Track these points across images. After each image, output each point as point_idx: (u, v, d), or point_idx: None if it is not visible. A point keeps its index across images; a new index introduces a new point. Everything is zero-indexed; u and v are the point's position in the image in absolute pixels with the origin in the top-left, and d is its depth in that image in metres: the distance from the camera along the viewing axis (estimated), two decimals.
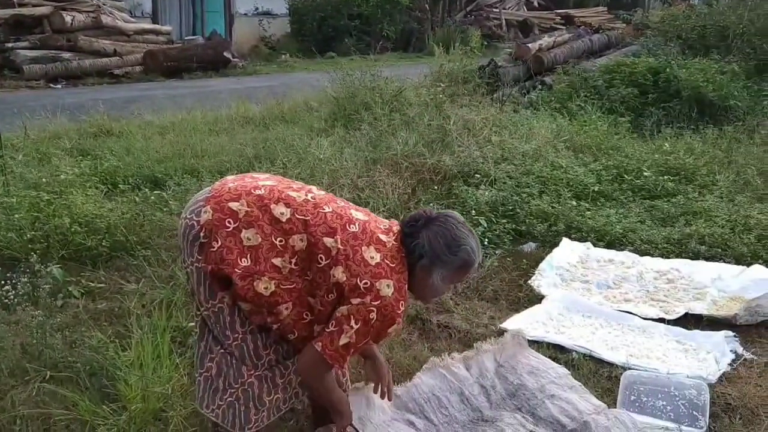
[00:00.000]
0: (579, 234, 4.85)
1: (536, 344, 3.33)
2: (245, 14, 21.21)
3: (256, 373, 2.26)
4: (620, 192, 5.64)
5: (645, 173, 5.85)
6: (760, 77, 9.47)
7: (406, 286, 2.22)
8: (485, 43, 18.30)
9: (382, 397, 2.58)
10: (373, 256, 2.16)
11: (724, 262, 4.41)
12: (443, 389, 2.75)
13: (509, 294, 4.06)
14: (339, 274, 2.13)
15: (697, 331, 3.55)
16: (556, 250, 4.52)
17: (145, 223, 4.73)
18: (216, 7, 20.57)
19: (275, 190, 2.23)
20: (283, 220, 2.16)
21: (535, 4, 27.22)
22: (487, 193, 5.25)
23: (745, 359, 3.28)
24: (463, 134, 6.58)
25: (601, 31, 13.96)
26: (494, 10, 23.21)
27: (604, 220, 4.94)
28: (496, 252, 4.56)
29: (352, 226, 2.21)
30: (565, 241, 4.69)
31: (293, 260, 2.16)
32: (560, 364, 3.12)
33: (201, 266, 2.17)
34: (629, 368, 3.13)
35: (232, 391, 2.25)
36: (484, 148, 6.32)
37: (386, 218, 4.71)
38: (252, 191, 2.20)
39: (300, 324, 2.22)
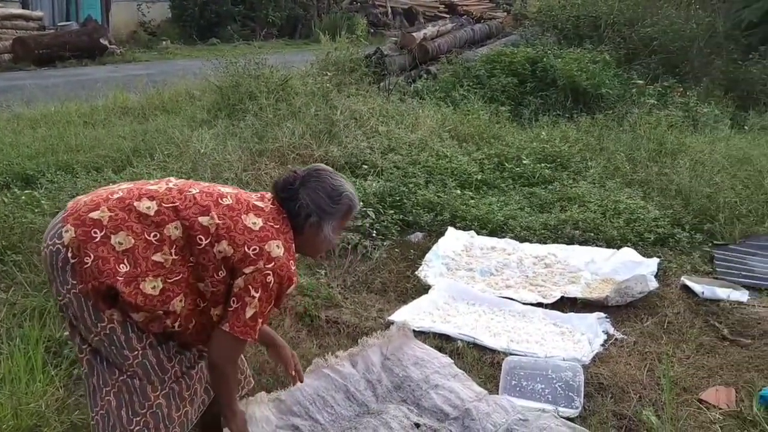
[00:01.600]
0: (464, 223, 4.98)
1: (423, 335, 3.40)
2: None
3: (163, 392, 2.16)
4: (501, 180, 5.83)
5: (524, 161, 6.08)
6: (629, 66, 10.01)
7: (293, 245, 2.22)
8: (371, 30, 18.42)
9: (294, 382, 2.58)
10: (255, 222, 2.14)
11: (597, 245, 4.66)
12: (328, 389, 2.76)
13: (397, 285, 4.12)
14: (225, 247, 2.09)
15: (572, 314, 3.74)
16: (441, 240, 4.63)
17: (15, 225, 4.43)
18: None
19: (133, 189, 2.14)
20: (152, 214, 2.08)
21: None
22: (374, 184, 5.29)
23: (616, 339, 3.48)
24: (350, 124, 6.59)
25: (482, 20, 14.33)
26: None
27: (486, 209, 5.10)
28: (384, 243, 4.61)
29: (224, 199, 2.17)
30: (450, 230, 4.80)
31: (173, 251, 2.09)
32: (445, 353, 3.21)
33: (79, 289, 2.04)
34: (510, 354, 3.26)
35: (139, 418, 2.12)
36: (371, 139, 6.37)
37: None
38: (109, 197, 2.11)
39: (196, 312, 2.16)
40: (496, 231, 4.93)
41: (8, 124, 7.70)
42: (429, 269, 4.21)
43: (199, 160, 5.50)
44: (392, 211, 4.99)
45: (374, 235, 4.64)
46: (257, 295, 2.08)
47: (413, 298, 3.89)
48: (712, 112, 7.91)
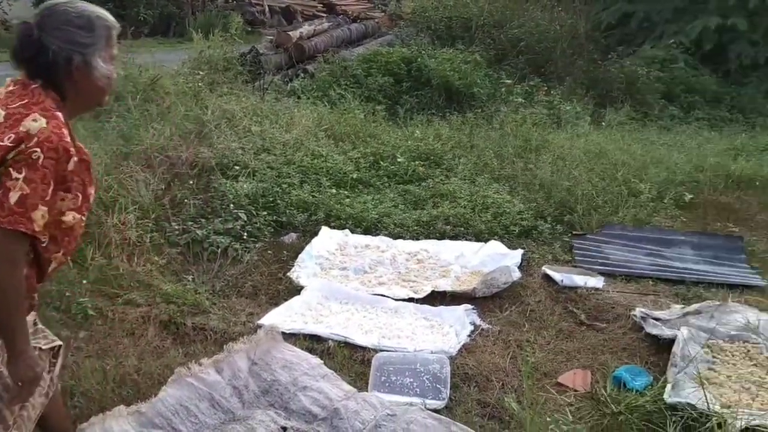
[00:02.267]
0: (338, 222, 4.99)
1: (293, 337, 3.37)
2: None
3: None
4: (377, 178, 5.88)
5: (399, 159, 6.16)
6: (498, 66, 10.38)
7: (59, 111, 1.91)
8: (248, 29, 18.12)
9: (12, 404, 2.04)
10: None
11: (466, 239, 4.80)
12: (192, 398, 2.68)
13: (269, 288, 4.06)
14: None
15: (442, 307, 3.83)
16: (315, 240, 4.61)
17: None
18: None
19: None
20: None
21: None
22: (246, 186, 5.19)
23: (482, 329, 3.59)
24: (221, 125, 6.44)
25: (359, 20, 14.43)
26: None
27: (361, 207, 5.13)
28: (256, 245, 4.54)
29: None
30: (324, 229, 4.79)
31: None
32: (316, 354, 3.19)
33: None
34: (381, 350, 3.29)
35: None
36: (243, 139, 6.24)
37: (138, 219, 4.50)
38: None
39: None
40: (370, 229, 4.97)
41: None
42: (302, 270, 4.18)
43: None
44: (265, 213, 4.92)
45: (245, 237, 4.56)
46: (21, 176, 1.80)
47: (285, 300, 3.85)
48: (574, 109, 8.33)
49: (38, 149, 1.82)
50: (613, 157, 6.17)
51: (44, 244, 1.96)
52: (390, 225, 4.96)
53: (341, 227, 4.94)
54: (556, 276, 4.14)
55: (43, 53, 1.91)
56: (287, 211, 5.01)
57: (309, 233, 4.83)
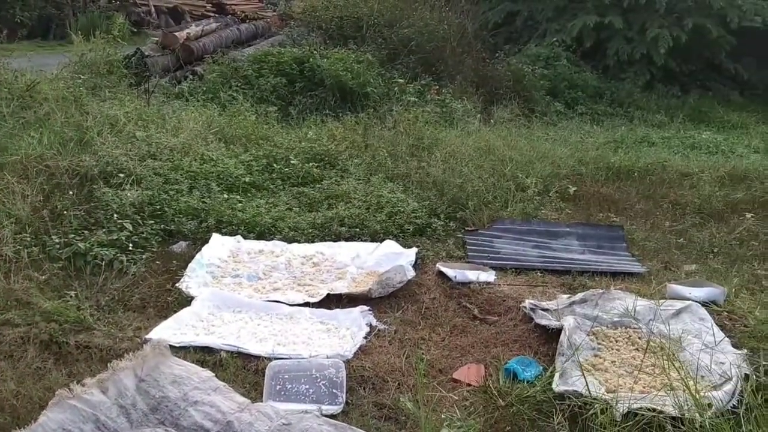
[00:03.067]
0: (230, 228, 4.88)
1: (183, 350, 3.26)
2: None
3: None
4: (270, 181, 5.79)
5: (292, 161, 6.09)
6: (391, 65, 10.45)
7: None
8: (134, 30, 17.45)
9: None
10: None
11: (362, 240, 4.80)
12: (75, 421, 2.54)
13: (158, 300, 3.91)
14: None
15: (338, 310, 3.81)
16: (205, 248, 4.48)
17: None
18: None
19: None
20: None
21: None
22: (131, 194, 4.99)
23: (379, 330, 3.60)
24: (104, 131, 6.16)
25: (248, 20, 14.20)
26: None
27: (254, 212, 5.03)
28: (143, 256, 4.36)
29: None
30: (215, 236, 4.67)
31: None
32: (208, 366, 3.10)
33: None
34: (275, 358, 3.23)
35: None
36: (127, 145, 5.99)
37: (15, 233, 4.24)
38: None
39: None
40: (264, 234, 4.89)
41: None
42: (191, 279, 4.06)
43: None
44: (152, 221, 4.74)
45: (131, 248, 4.37)
46: None
47: (174, 312, 3.72)
48: (464, 107, 8.52)
49: None
50: (501, 154, 6.35)
51: None
52: (284, 229, 4.90)
53: (233, 233, 4.83)
54: (450, 272, 4.22)
55: None
56: (176, 219, 4.84)
57: (200, 241, 4.69)
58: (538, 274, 4.46)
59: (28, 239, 4.26)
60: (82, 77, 7.82)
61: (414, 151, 6.47)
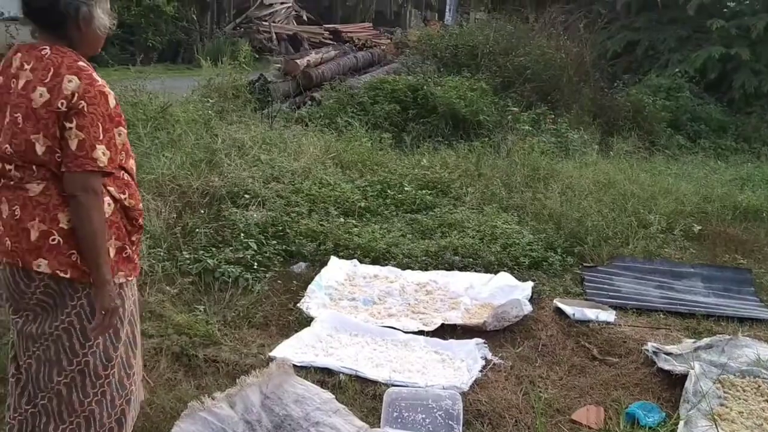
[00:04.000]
0: (347, 251, 4.99)
1: (304, 370, 3.36)
2: None
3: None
4: (384, 207, 5.89)
5: (406, 188, 6.18)
6: (505, 93, 10.42)
7: (79, 62, 2.22)
8: (256, 56, 18.28)
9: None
10: (42, 93, 2.17)
11: (475, 271, 4.79)
12: None
13: (279, 319, 4.05)
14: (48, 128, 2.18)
15: (452, 341, 3.81)
16: (324, 270, 4.61)
17: None
18: None
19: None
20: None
21: (304, 17, 27.70)
22: (256, 215, 5.21)
23: (494, 364, 3.57)
24: (231, 153, 6.48)
25: (365, 48, 14.56)
26: (264, 23, 23.23)
27: (369, 237, 5.13)
28: (266, 275, 4.54)
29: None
30: (333, 259, 4.79)
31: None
32: (327, 387, 3.18)
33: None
34: (392, 385, 3.27)
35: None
36: (253, 167, 6.28)
37: (150, 248, 4.52)
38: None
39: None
40: (378, 259, 4.97)
41: None
42: (311, 300, 4.18)
43: None
44: (275, 242, 4.93)
45: (256, 267, 4.56)
46: (74, 124, 2.15)
47: (296, 332, 3.84)
48: (581, 138, 8.36)
49: (81, 101, 2.15)
50: (621, 188, 6.18)
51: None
52: (398, 255, 4.96)
53: (350, 257, 4.93)
54: (568, 309, 4.13)
55: (55, 4, 2.19)
56: (296, 241, 5.01)
57: (318, 263, 4.83)
58: (661, 315, 4.30)
59: (162, 254, 4.52)
60: (210, 101, 8.26)
61: (529, 182, 6.41)
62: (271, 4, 24.72)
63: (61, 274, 2.23)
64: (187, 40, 20.64)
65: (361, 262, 4.87)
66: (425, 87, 9.41)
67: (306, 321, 3.99)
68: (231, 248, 4.70)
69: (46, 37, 2.25)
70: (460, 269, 4.80)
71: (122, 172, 2.35)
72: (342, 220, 5.44)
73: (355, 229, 5.30)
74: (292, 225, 5.20)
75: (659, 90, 10.73)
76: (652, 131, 9.50)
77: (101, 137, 2.17)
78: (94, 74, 2.21)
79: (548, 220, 5.52)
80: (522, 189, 6.20)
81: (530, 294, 4.34)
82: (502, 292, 4.33)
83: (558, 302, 4.24)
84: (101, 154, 2.17)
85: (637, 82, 11.41)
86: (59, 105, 2.14)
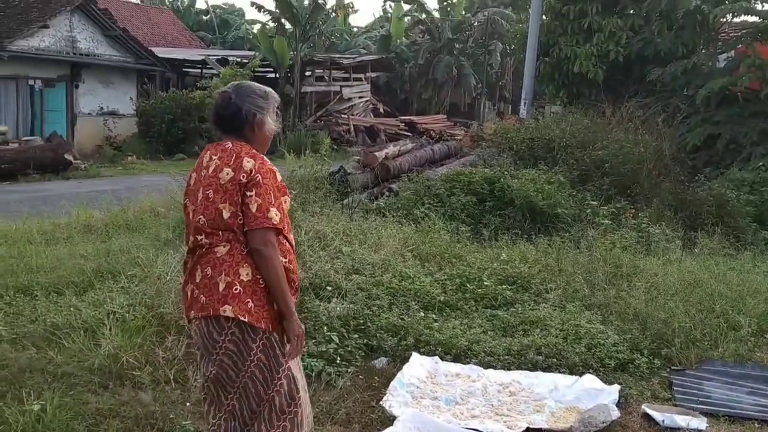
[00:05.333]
0: (427, 348, 5.00)
1: None
2: (89, 114, 20.63)
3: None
4: (464, 301, 5.90)
5: (485, 282, 6.19)
6: (582, 187, 10.39)
7: (253, 150, 2.86)
8: (335, 147, 18.90)
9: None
10: (228, 172, 2.80)
11: (560, 372, 4.70)
12: None
13: (362, 416, 4.07)
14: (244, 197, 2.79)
15: None
16: (405, 367, 4.62)
17: None
18: (57, 106, 19.85)
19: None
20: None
21: (381, 110, 28.66)
22: (338, 307, 5.32)
23: None
24: (314, 245, 6.67)
25: (441, 140, 14.89)
26: (343, 116, 24.16)
27: (450, 333, 5.14)
28: (348, 370, 4.59)
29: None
30: (414, 356, 4.81)
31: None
32: None
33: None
34: None
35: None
36: (335, 260, 6.43)
37: None
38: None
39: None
40: (460, 356, 4.95)
41: None
42: (393, 398, 4.19)
43: (164, 285, 5.48)
44: (356, 336, 5.00)
45: (338, 361, 4.62)
46: (254, 192, 2.75)
47: (378, 430, 3.85)
48: (663, 233, 8.21)
49: (258, 175, 2.78)
50: (708, 287, 6.01)
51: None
52: (480, 353, 4.93)
53: (431, 353, 4.94)
54: (657, 416, 4.00)
55: (238, 111, 2.88)
56: (378, 335, 5.06)
57: (399, 358, 4.85)
58: (755, 424, 4.10)
59: None
60: (293, 192, 8.56)
61: (612, 279, 6.32)
62: (349, 99, 25.75)
63: (242, 318, 2.74)
64: None
65: (442, 358, 4.87)
66: (502, 179, 9.48)
67: (389, 420, 3.99)
68: (314, 341, 4.79)
69: (229, 137, 2.90)
70: (544, 369, 4.73)
71: (285, 240, 2.87)
72: (422, 314, 5.47)
73: (436, 324, 5.32)
74: (374, 318, 5.26)
75: (743, 184, 10.50)
76: (737, 227, 9.24)
77: (273, 201, 2.77)
78: (265, 158, 2.86)
79: (633, 320, 5.40)
80: (605, 286, 6.11)
81: (617, 398, 4.23)
82: (588, 396, 4.24)
83: (646, 408, 4.11)
84: (274, 214, 2.76)
85: (718, 176, 11.21)
86: (241, 178, 2.76)
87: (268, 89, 3.00)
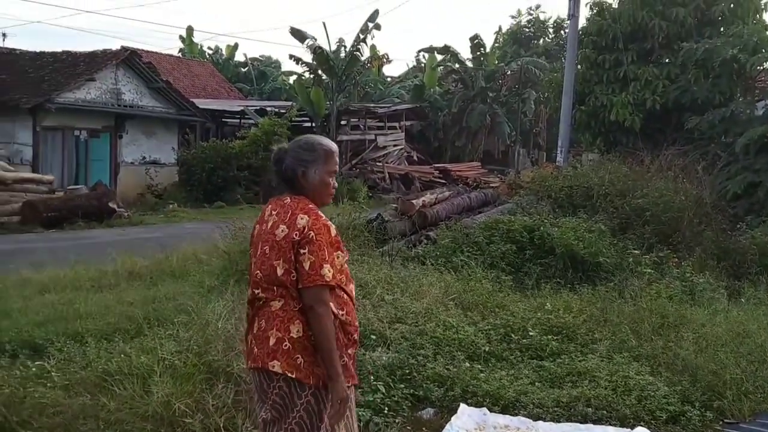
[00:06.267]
0: (475, 399, 4.96)
1: None
2: (132, 163, 21.17)
3: None
4: (509, 352, 5.86)
5: (530, 332, 6.15)
6: (623, 235, 10.32)
7: (309, 205, 2.89)
8: (370, 194, 19.12)
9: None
10: (283, 229, 2.84)
11: (610, 424, 4.63)
12: None
13: None
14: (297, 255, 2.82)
15: None
16: (454, 418, 4.59)
17: (26, 399, 4.42)
18: (101, 155, 20.43)
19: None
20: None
21: (415, 158, 28.91)
22: (384, 357, 5.32)
23: None
24: (357, 293, 6.69)
25: (478, 188, 14.95)
26: (378, 163, 24.42)
27: (497, 384, 5.10)
28: (396, 421, 4.57)
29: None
30: (462, 407, 4.78)
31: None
32: None
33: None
34: None
35: None
36: (378, 308, 6.46)
37: None
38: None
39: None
40: (508, 407, 4.90)
41: (17, 289, 7.81)
42: None
43: (211, 333, 5.54)
44: (402, 385, 4.99)
45: (385, 411, 4.62)
46: (307, 250, 2.77)
47: None
48: (707, 282, 8.09)
49: (311, 232, 2.81)
50: (759, 339, 5.89)
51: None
52: (528, 404, 4.88)
53: (478, 404, 4.89)
54: None
55: (282, 165, 2.96)
56: (424, 385, 5.05)
57: (446, 409, 4.82)
58: None
59: None
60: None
61: (658, 329, 6.23)
62: (384, 147, 26.05)
63: (289, 374, 2.79)
64: None
65: (490, 410, 4.83)
66: (542, 227, 9.45)
67: None
68: (361, 390, 4.79)
69: (288, 191, 2.96)
70: (594, 422, 4.66)
71: (342, 292, 2.90)
72: (468, 364, 5.45)
73: (482, 374, 5.29)
74: (419, 368, 5.26)
75: None
76: None
77: (327, 258, 2.78)
78: (320, 213, 2.90)
79: (683, 372, 5.30)
80: (652, 337, 6.03)
81: None
82: None
83: None
84: (327, 271, 2.78)
85: (760, 224, 11.03)
86: (294, 236, 2.80)
87: (320, 141, 3.02)
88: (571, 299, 7.23)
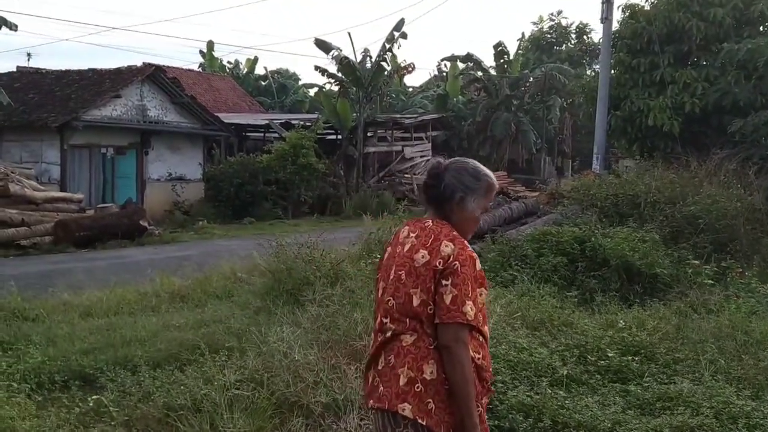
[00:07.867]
0: (567, 430, 4.57)
1: None
2: (158, 179, 21.00)
3: None
4: (588, 375, 5.46)
5: (609, 353, 5.74)
6: (676, 245, 9.87)
7: (454, 232, 2.61)
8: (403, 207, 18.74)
9: None
10: (423, 255, 2.58)
11: None
12: None
13: None
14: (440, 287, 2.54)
15: None
16: None
17: None
18: (127, 172, 20.28)
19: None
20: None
21: None
22: None
23: None
24: None
25: (519, 199, 14.58)
26: (405, 175, 24.10)
27: (589, 413, 4.71)
28: None
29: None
30: None
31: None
32: None
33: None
34: None
35: None
36: None
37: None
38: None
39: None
40: None
41: (59, 313, 7.55)
42: None
43: (269, 360, 5.21)
44: (486, 416, 4.61)
45: None
46: (449, 282, 2.49)
47: None
48: None
49: (456, 262, 2.53)
50: None
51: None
52: None
53: None
54: None
55: (440, 183, 2.67)
56: (509, 416, 4.67)
57: None
58: None
59: None
60: (377, 256, 8.32)
61: (745, 346, 5.81)
62: (411, 158, 25.75)
63: (420, 420, 2.49)
64: (335, 193, 21.67)
65: None
66: (593, 239, 9.06)
67: None
68: None
69: (432, 213, 2.71)
70: None
71: (478, 333, 2.60)
72: (549, 391, 5.06)
73: (567, 401, 4.90)
74: (500, 396, 4.88)
75: None
76: None
77: (470, 294, 2.51)
78: (466, 243, 2.62)
79: None
80: (741, 356, 5.61)
81: None
82: None
83: None
84: (469, 309, 2.49)
85: None
86: (437, 264, 2.53)
87: (486, 172, 2.76)
88: (642, 315, 6.81)
